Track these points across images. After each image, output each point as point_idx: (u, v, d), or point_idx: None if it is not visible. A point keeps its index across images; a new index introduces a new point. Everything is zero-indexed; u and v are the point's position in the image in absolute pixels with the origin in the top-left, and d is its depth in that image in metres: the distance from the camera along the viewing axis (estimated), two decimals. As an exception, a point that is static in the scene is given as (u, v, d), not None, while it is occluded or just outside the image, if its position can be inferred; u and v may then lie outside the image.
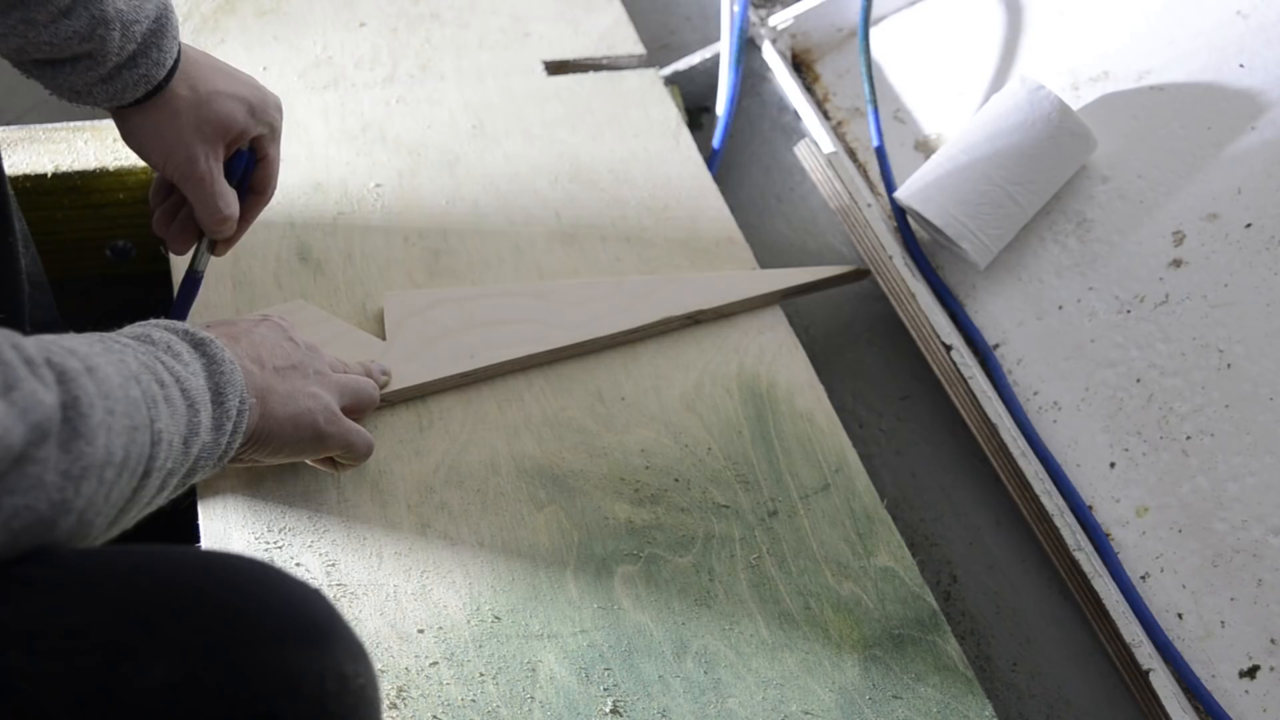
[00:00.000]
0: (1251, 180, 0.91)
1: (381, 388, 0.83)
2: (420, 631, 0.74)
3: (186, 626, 0.46)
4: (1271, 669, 0.82)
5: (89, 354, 0.51)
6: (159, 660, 0.44)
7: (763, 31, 1.21)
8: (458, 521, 0.80)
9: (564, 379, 0.90)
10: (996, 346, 1.01)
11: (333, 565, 0.76)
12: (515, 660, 0.74)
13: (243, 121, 0.78)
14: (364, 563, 0.77)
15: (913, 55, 1.16)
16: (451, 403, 0.87)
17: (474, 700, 0.72)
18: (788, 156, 1.20)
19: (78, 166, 0.99)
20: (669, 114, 1.12)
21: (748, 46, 1.22)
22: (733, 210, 1.08)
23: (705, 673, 0.76)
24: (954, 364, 0.97)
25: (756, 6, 1.23)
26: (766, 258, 1.11)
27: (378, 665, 0.69)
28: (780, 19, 1.21)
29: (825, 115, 1.18)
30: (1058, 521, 0.90)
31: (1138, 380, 0.93)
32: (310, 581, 0.70)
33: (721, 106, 1.19)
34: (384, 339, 0.88)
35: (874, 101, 1.10)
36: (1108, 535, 0.91)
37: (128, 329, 0.62)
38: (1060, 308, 0.98)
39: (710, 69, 1.24)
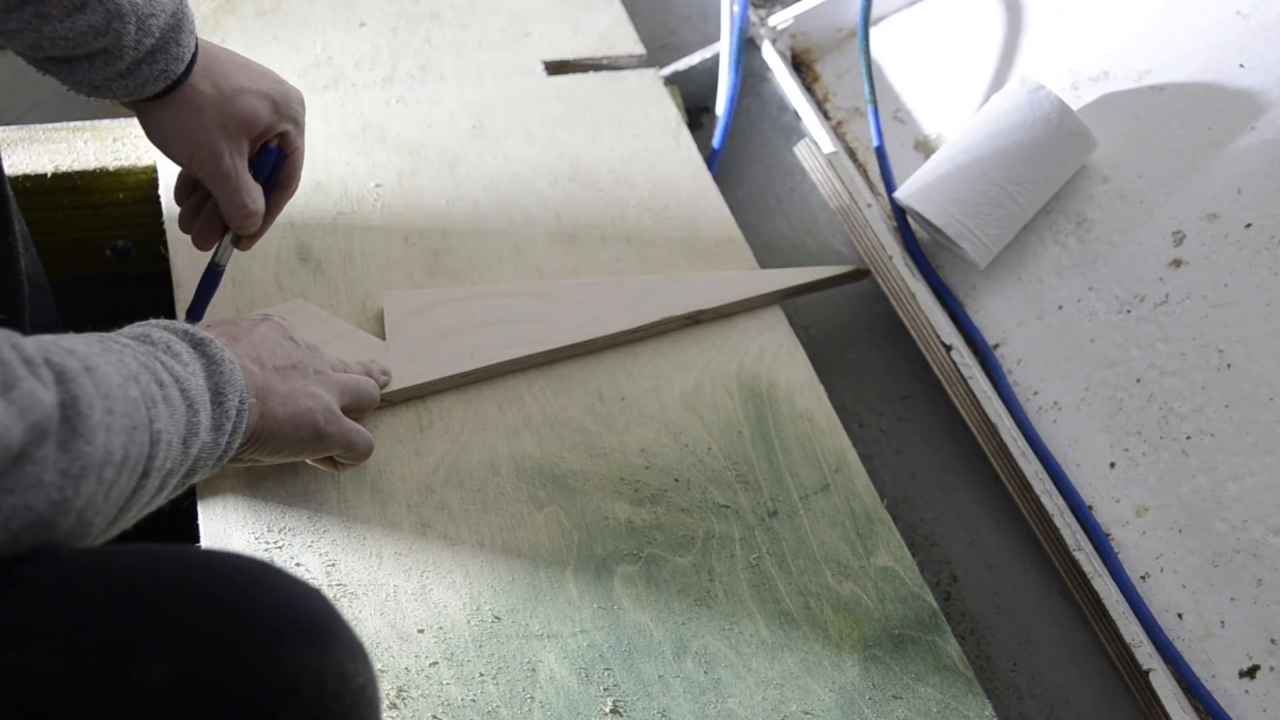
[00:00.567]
0: (1251, 180, 0.91)
1: (381, 387, 0.83)
2: (420, 631, 0.74)
3: (186, 625, 0.46)
4: (1271, 669, 0.82)
5: (88, 354, 0.51)
6: (159, 659, 0.44)
7: (763, 31, 1.21)
8: (458, 521, 0.80)
9: (564, 379, 0.90)
10: (996, 346, 1.01)
11: (333, 565, 0.76)
12: (515, 660, 0.74)
13: (267, 118, 0.78)
14: (364, 563, 0.77)
15: (912, 55, 1.16)
16: (451, 403, 0.87)
17: (474, 700, 0.72)
18: (788, 156, 1.20)
19: (78, 166, 0.99)
20: (669, 114, 1.12)
21: (748, 46, 1.22)
22: (733, 210, 1.08)
23: (705, 673, 0.76)
24: (954, 364, 0.97)
25: (756, 6, 1.23)
26: (766, 258, 1.11)
27: (378, 665, 0.69)
28: (780, 19, 1.21)
29: (825, 115, 1.18)
30: (1058, 521, 0.90)
31: (1138, 380, 0.93)
32: (310, 581, 0.70)
33: (721, 106, 1.19)
34: (384, 339, 0.88)
35: (874, 101, 1.10)
36: (1108, 535, 0.91)
37: (127, 329, 0.62)
38: (1060, 308, 0.98)
39: (710, 69, 1.24)
